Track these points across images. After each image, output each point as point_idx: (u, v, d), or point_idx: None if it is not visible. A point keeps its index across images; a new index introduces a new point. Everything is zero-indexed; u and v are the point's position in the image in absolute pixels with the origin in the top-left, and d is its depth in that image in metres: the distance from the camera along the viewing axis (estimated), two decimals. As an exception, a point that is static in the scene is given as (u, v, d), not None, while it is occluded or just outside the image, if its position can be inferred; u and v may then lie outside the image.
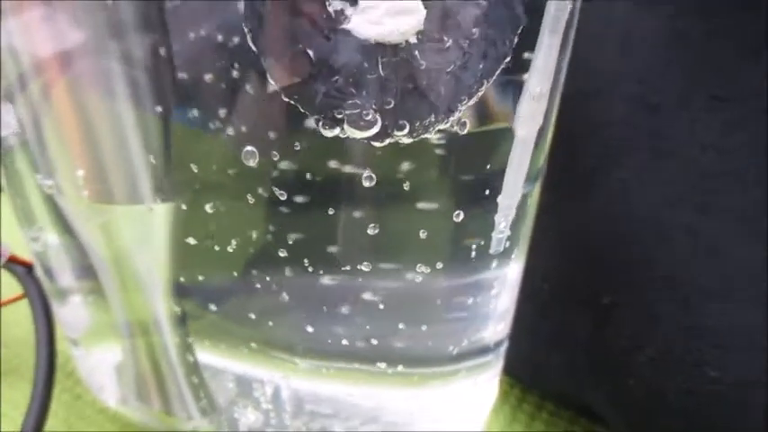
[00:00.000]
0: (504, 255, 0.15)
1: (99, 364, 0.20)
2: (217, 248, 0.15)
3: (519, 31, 0.11)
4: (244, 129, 0.12)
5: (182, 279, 0.16)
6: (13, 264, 0.20)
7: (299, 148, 0.12)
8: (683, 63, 0.15)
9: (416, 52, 0.11)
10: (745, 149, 0.15)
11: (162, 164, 0.14)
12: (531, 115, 0.13)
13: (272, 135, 0.12)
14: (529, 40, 0.12)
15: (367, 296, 0.14)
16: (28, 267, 0.20)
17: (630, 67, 0.16)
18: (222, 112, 0.12)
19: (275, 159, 0.12)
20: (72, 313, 0.19)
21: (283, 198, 0.13)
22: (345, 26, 0.10)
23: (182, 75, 0.12)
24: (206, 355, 0.18)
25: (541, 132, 0.14)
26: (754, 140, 0.15)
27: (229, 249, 0.14)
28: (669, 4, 0.16)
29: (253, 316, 0.16)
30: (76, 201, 0.15)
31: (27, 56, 0.13)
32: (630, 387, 0.16)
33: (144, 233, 0.15)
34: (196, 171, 0.13)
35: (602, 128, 0.16)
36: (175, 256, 0.15)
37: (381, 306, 0.14)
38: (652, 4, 0.16)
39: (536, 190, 0.15)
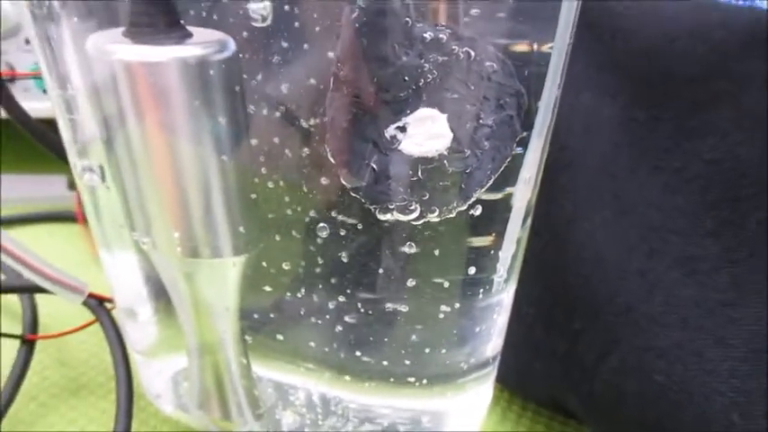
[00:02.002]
0: (502, 290, 0.19)
1: (158, 374, 0.24)
2: (269, 289, 0.19)
3: (517, 140, 0.16)
4: (314, 209, 0.17)
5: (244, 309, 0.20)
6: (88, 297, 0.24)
7: (359, 226, 0.16)
8: (633, 141, 0.20)
9: (445, 161, 0.15)
10: (680, 208, 0.20)
11: (237, 231, 0.18)
12: (523, 194, 0.17)
13: (336, 214, 0.16)
14: (523, 142, 0.16)
15: (401, 330, 0.18)
16: (99, 300, 0.24)
17: (593, 145, 0.21)
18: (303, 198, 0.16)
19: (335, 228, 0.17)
20: (139, 331, 0.23)
21: (338, 255, 0.17)
22: (398, 147, 0.15)
23: (267, 168, 0.17)
24: (257, 368, 0.22)
25: (528, 204, 0.18)
26: (689, 201, 0.20)
27: (281, 289, 0.19)
28: (622, 96, 0.20)
29: (292, 336, 0.20)
30: (169, 255, 0.19)
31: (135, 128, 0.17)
32: (596, 391, 0.21)
33: (221, 279, 0.19)
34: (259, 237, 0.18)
35: (573, 191, 0.21)
36: (241, 295, 0.20)
37: (413, 337, 0.18)
38: (608, 96, 0.20)
39: (524, 240, 0.19)
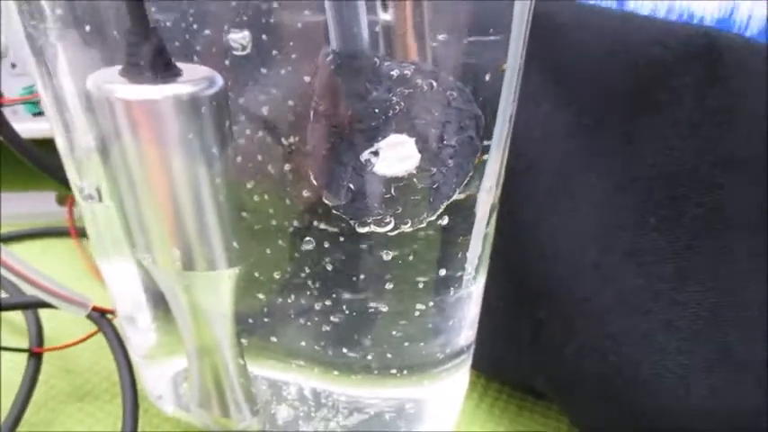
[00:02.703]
0: (471, 285, 0.21)
1: (159, 377, 0.26)
2: (262, 295, 0.21)
3: (477, 155, 0.18)
4: (299, 222, 0.18)
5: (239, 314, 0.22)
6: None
7: (341, 237, 0.18)
8: (584, 146, 0.22)
9: (415, 179, 0.17)
10: (628, 206, 0.22)
11: (231, 245, 0.20)
12: (486, 199, 0.20)
13: (320, 227, 0.18)
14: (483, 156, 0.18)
15: (382, 327, 0.21)
16: (100, 312, 0.26)
17: (550, 151, 0.23)
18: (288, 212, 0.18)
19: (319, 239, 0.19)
20: (140, 336, 0.25)
21: (322, 262, 0.19)
22: (372, 169, 0.17)
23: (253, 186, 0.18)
24: (252, 367, 0.24)
25: (492, 207, 0.20)
26: (635, 200, 0.22)
27: (273, 294, 0.21)
28: (573, 106, 0.23)
29: (283, 337, 0.22)
30: (168, 270, 0.21)
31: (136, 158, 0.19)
32: (560, 372, 0.23)
33: (217, 289, 0.21)
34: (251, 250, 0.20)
35: (533, 193, 0.23)
36: (236, 302, 0.21)
37: (393, 333, 0.21)
38: (563, 106, 0.23)
39: (489, 240, 0.22)
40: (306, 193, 0.18)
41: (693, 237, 0.21)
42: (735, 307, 0.20)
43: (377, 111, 0.16)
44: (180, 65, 0.18)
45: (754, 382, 0.19)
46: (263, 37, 0.17)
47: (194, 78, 0.17)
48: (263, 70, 0.17)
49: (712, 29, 0.21)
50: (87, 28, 0.18)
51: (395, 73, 0.16)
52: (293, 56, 0.17)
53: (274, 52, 0.17)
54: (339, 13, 0.15)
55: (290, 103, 0.17)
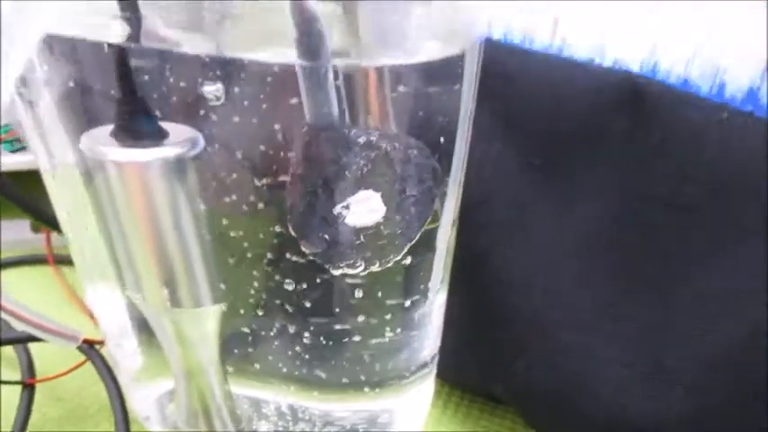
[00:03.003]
0: (433, 309, 0.24)
1: (146, 398, 0.28)
2: (246, 330, 0.23)
3: (435, 200, 0.20)
4: (277, 260, 0.21)
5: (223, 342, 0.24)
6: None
7: (317, 278, 0.21)
8: (532, 182, 0.25)
9: (381, 227, 0.19)
10: (573, 234, 0.25)
11: (215, 284, 0.22)
12: (444, 233, 0.22)
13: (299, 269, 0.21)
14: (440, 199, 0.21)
15: (354, 350, 0.23)
16: (89, 343, 0.27)
17: (502, 186, 0.25)
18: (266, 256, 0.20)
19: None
20: (128, 359, 0.27)
21: (302, 298, 0.21)
22: (343, 221, 0.19)
23: (235, 232, 0.20)
24: (234, 387, 0.26)
25: (450, 237, 0.23)
26: (579, 229, 0.25)
27: (253, 324, 0.23)
28: (522, 145, 0.25)
29: (264, 359, 0.24)
30: (158, 307, 0.22)
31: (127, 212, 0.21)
32: (515, 383, 0.26)
33: (203, 323, 0.23)
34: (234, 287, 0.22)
35: (488, 224, 0.25)
36: (221, 332, 0.23)
37: (364, 354, 0.23)
38: (512, 145, 0.25)
39: (449, 268, 0.24)
40: (286, 244, 0.20)
41: (629, 263, 0.23)
42: (666, 324, 0.23)
43: (347, 172, 0.18)
44: (164, 125, 0.20)
45: (683, 392, 0.22)
46: (236, 90, 0.19)
47: (179, 140, 0.19)
48: (236, 119, 0.19)
49: (640, 76, 0.23)
50: (73, 85, 0.20)
51: (362, 140, 0.18)
52: (263, 106, 0.19)
53: (245, 102, 0.19)
54: (312, 92, 0.17)
55: (262, 147, 0.19)
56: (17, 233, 0.39)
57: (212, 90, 0.19)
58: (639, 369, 0.23)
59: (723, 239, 0.22)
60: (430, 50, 0.19)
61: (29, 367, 0.28)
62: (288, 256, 0.21)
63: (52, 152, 0.22)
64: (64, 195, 0.23)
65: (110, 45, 0.18)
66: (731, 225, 0.21)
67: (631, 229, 0.23)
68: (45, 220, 0.31)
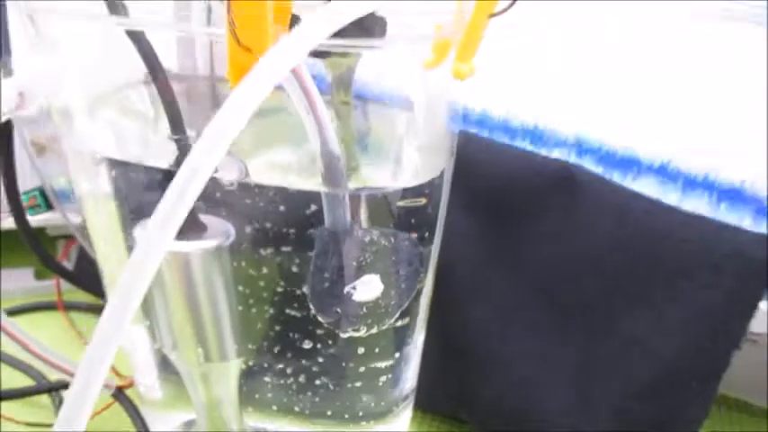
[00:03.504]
0: (413, 353, 0.30)
1: (169, 425, 0.33)
2: (266, 378, 0.28)
3: (420, 278, 0.26)
4: (298, 328, 0.26)
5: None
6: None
7: (318, 333, 0.26)
8: (489, 250, 0.31)
9: (379, 300, 0.25)
10: (523, 291, 0.31)
11: (239, 343, 0.27)
12: (426, 299, 0.28)
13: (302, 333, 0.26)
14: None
15: (350, 391, 0.28)
16: (118, 388, 0.32)
17: (465, 252, 0.31)
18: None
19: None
20: (154, 392, 0.31)
21: (312, 351, 0.27)
22: (352, 297, 0.24)
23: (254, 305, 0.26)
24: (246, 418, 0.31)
25: (428, 298, 0.28)
26: (528, 287, 0.31)
27: (268, 373, 0.28)
28: (480, 219, 0.31)
29: (272, 399, 0.29)
30: (190, 362, 0.27)
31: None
32: (478, 406, 0.32)
33: (227, 372, 0.28)
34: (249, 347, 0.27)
35: (455, 285, 0.31)
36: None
37: (365, 394, 0.28)
38: (473, 219, 0.31)
39: (426, 320, 0.30)
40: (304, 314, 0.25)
41: (565, 314, 0.30)
42: (594, 363, 0.29)
43: (354, 263, 0.23)
44: (203, 218, 0.25)
45: (606, 416, 0.29)
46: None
47: (216, 233, 0.24)
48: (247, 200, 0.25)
49: (574, 165, 0.30)
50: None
51: (366, 239, 0.23)
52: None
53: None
54: (331, 208, 0.22)
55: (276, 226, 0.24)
56: (22, 282, 0.43)
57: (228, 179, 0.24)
58: (573, 398, 0.30)
59: (639, 298, 0.28)
60: (414, 165, 0.25)
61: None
62: (303, 321, 0.26)
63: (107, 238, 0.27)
64: (113, 265, 0.28)
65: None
66: (645, 287, 0.28)
67: (567, 288, 0.30)
68: (56, 268, 0.35)
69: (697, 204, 0.27)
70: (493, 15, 0.19)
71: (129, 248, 0.26)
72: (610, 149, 0.30)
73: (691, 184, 0.28)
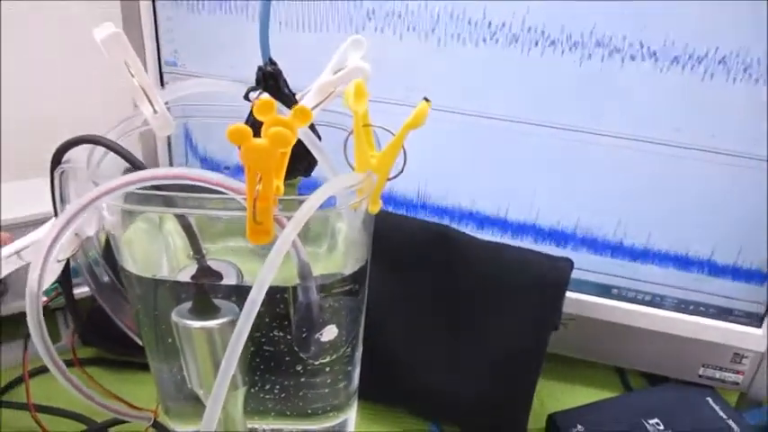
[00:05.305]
0: (357, 362, 0.45)
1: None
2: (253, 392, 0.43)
3: (359, 319, 0.41)
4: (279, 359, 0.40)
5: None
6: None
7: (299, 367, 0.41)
8: (395, 285, 0.47)
9: (336, 339, 0.40)
10: (424, 316, 0.47)
11: (245, 375, 0.41)
12: (362, 329, 0.43)
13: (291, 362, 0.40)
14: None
15: (322, 395, 0.43)
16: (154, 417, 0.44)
17: (380, 288, 0.47)
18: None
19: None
20: (177, 406, 0.45)
21: (292, 372, 0.41)
22: (321, 339, 0.39)
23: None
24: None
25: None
26: (429, 313, 0.47)
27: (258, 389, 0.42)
28: (388, 265, 0.47)
29: (254, 402, 0.44)
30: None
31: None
32: (397, 391, 0.48)
33: (236, 396, 0.41)
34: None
35: (376, 309, 0.47)
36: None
37: (330, 396, 0.43)
38: (387, 268, 0.46)
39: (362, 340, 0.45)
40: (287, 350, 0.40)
41: (445, 321, 0.46)
42: (464, 347, 0.46)
43: (320, 320, 0.38)
44: (217, 302, 0.38)
45: (472, 382, 0.46)
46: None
47: (227, 313, 0.38)
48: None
49: (449, 228, 0.46)
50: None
51: (326, 305, 0.38)
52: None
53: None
54: (304, 290, 0.37)
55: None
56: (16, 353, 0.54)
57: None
58: (452, 371, 0.46)
59: (489, 311, 0.45)
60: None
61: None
62: (288, 357, 0.40)
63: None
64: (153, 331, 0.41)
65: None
66: (493, 303, 0.45)
67: (446, 305, 0.46)
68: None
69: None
70: (390, 179, 0.34)
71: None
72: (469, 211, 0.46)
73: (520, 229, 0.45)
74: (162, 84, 0.52)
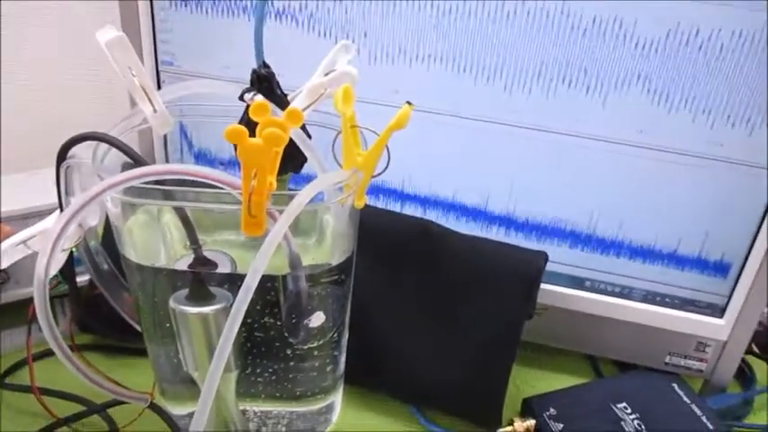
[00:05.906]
0: (344, 346, 0.47)
1: (185, 414, 0.49)
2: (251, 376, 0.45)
3: (345, 306, 0.44)
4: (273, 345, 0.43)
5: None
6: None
7: (288, 351, 0.43)
8: (379, 273, 0.49)
9: (323, 324, 0.43)
10: (408, 305, 0.50)
11: (238, 359, 0.43)
12: (348, 315, 0.46)
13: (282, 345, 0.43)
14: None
15: (311, 377, 0.46)
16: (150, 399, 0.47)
17: (367, 278, 0.49)
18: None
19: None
20: (173, 388, 0.47)
21: (285, 356, 0.44)
22: (309, 324, 0.42)
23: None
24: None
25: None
26: (414, 302, 0.50)
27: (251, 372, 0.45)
28: (374, 256, 0.49)
29: (246, 385, 0.46)
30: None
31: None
32: (383, 376, 0.51)
33: (230, 379, 0.44)
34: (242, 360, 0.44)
35: (363, 297, 0.49)
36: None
37: (319, 377, 0.46)
38: (377, 262, 0.49)
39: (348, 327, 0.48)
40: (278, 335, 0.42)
41: (429, 309, 0.49)
42: (446, 335, 0.49)
43: (310, 307, 0.41)
44: (211, 289, 0.41)
45: (456, 367, 0.49)
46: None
47: (221, 299, 0.41)
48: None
49: (431, 222, 0.49)
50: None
51: (314, 293, 0.41)
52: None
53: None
54: (294, 279, 0.39)
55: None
56: (15, 339, 0.56)
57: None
58: (436, 357, 0.49)
59: (470, 300, 0.48)
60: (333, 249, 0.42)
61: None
62: (278, 342, 0.43)
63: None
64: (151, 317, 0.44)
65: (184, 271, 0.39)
66: (473, 293, 0.48)
67: (428, 295, 0.49)
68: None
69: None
70: (375, 176, 0.37)
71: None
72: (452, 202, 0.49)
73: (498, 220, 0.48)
74: (158, 84, 0.54)
